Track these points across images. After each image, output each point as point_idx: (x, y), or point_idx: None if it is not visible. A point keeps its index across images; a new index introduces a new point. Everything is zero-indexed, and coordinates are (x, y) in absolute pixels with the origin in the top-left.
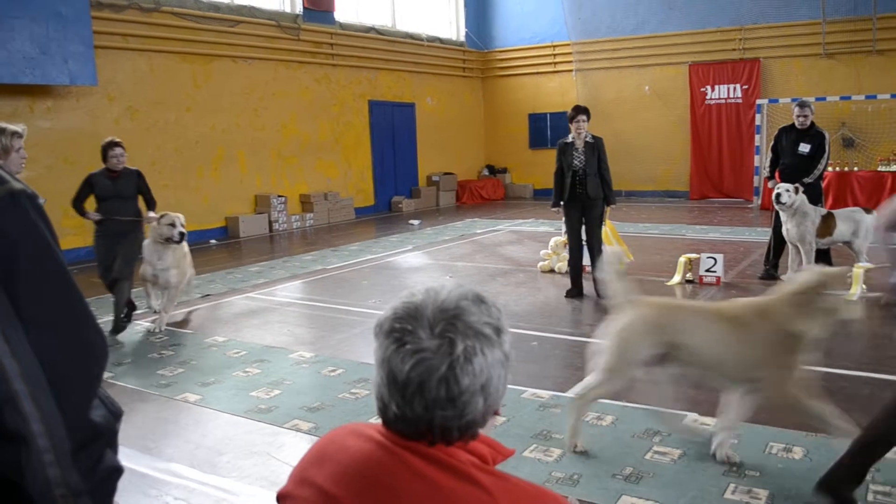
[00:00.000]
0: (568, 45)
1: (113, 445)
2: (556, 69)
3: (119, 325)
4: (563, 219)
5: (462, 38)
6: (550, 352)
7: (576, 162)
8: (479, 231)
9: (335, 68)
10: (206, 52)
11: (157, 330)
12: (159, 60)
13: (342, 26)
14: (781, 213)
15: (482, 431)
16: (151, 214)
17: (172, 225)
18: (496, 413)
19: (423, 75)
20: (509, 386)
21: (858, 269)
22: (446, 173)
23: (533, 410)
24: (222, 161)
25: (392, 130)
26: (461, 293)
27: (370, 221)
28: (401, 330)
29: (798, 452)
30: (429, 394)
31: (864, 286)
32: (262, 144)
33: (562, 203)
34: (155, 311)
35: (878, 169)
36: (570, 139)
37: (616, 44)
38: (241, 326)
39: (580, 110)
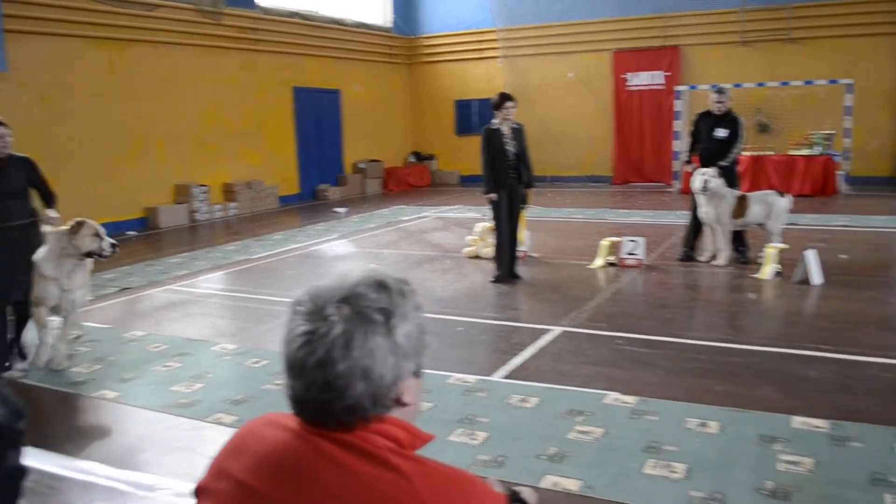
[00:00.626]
0: (494, 31)
1: (16, 445)
2: (482, 56)
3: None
4: (493, 205)
5: (389, 24)
6: (476, 337)
7: (508, 148)
8: (405, 218)
9: (258, 54)
10: (122, 37)
11: (57, 368)
12: (73, 45)
13: (265, 11)
14: (699, 196)
15: (399, 416)
16: (52, 214)
17: (97, 235)
18: (402, 402)
19: (349, 61)
20: (435, 372)
21: (771, 250)
22: (372, 160)
23: (459, 395)
24: (140, 150)
25: (317, 117)
26: (362, 278)
27: (295, 210)
28: (298, 312)
29: (714, 427)
30: (307, 376)
31: (777, 265)
32: (182, 132)
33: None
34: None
35: (791, 153)
36: (495, 125)
37: (541, 31)
38: (162, 320)
39: (510, 97)
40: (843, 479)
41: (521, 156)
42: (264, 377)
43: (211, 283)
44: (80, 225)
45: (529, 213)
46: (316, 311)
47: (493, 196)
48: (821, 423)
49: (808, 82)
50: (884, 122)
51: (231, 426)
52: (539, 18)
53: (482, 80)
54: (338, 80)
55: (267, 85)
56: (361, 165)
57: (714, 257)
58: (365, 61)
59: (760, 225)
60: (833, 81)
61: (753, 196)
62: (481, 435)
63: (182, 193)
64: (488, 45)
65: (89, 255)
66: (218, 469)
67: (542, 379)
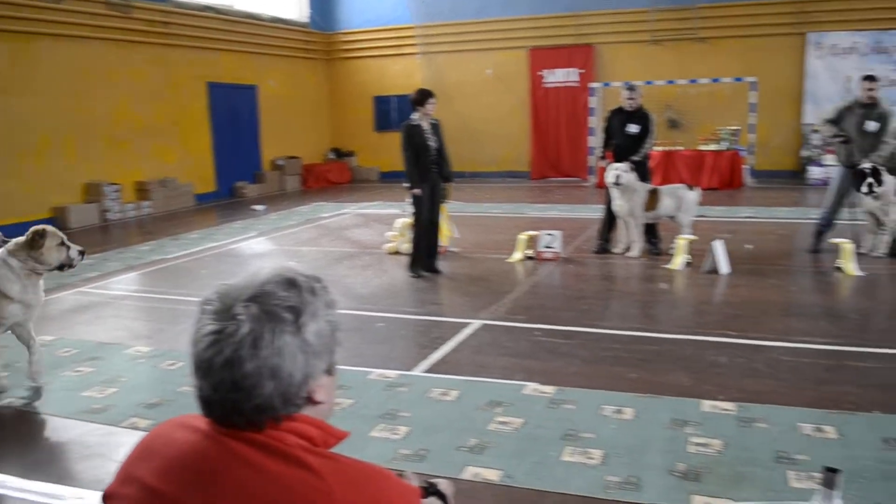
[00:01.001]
0: (412, 28)
1: None
2: (400, 52)
3: None
4: (415, 199)
5: (305, 20)
6: (397, 332)
7: (430, 143)
8: (325, 215)
9: (170, 49)
10: (26, 30)
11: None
12: None
13: (177, 4)
14: (613, 190)
15: (313, 414)
16: None
17: (63, 245)
18: (314, 401)
19: (265, 57)
20: (356, 368)
21: (681, 241)
22: (291, 157)
23: (380, 391)
24: (47, 147)
25: (233, 113)
26: (272, 276)
27: (212, 208)
28: (205, 311)
29: (629, 413)
30: (215, 376)
31: (687, 256)
32: (91, 129)
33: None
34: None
35: (700, 148)
36: (416, 121)
37: (459, 27)
38: (72, 323)
39: (431, 94)
40: (750, 458)
41: (441, 151)
42: (180, 379)
43: (124, 284)
44: (41, 236)
45: (449, 208)
46: (224, 310)
47: (418, 191)
48: (729, 406)
49: (716, 80)
50: (786, 119)
51: (146, 430)
52: (456, 15)
53: (401, 76)
54: (254, 75)
55: (180, 80)
56: (280, 162)
57: (628, 249)
58: (282, 56)
59: (671, 217)
60: (738, 79)
61: (664, 189)
62: (403, 429)
63: (93, 192)
64: (406, 42)
65: (60, 268)
66: (125, 474)
67: (463, 372)
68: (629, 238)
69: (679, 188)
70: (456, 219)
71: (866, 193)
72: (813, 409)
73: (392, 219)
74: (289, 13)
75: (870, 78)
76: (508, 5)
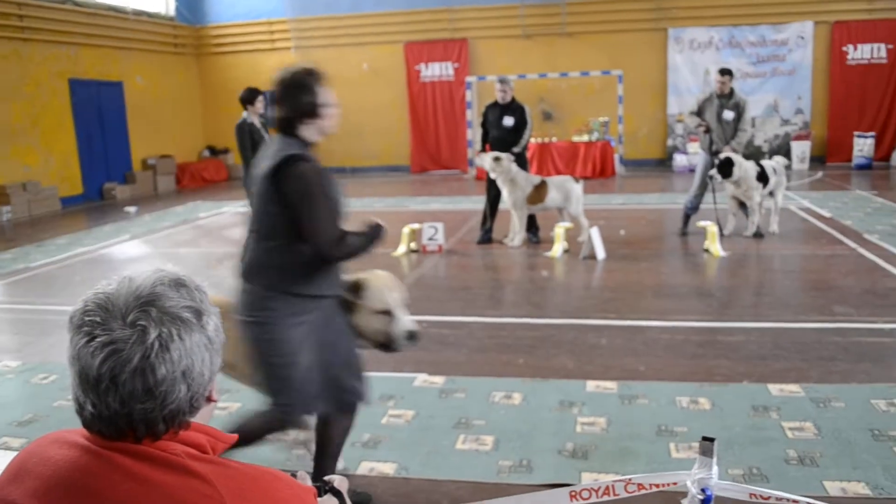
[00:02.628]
0: (285, 21)
1: None
2: (274, 47)
3: None
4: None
5: (172, 13)
6: None
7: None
8: (202, 215)
9: (27, 43)
10: None
11: None
12: None
13: None
14: (487, 168)
15: (197, 419)
16: None
17: None
18: (210, 399)
19: (130, 52)
20: None
21: (559, 229)
22: (163, 156)
23: None
24: None
25: (99, 111)
26: (157, 278)
27: (80, 211)
28: (91, 322)
29: (517, 398)
30: (123, 387)
31: (565, 243)
32: None
33: None
34: None
35: (573, 139)
36: (250, 120)
37: (334, 21)
38: None
39: (260, 91)
40: (634, 433)
41: None
42: (55, 393)
43: None
44: None
45: None
46: (114, 318)
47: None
48: (611, 385)
49: (585, 73)
50: (651, 110)
51: (19, 450)
52: (331, 9)
53: (276, 71)
54: (120, 71)
55: (39, 77)
56: (151, 162)
57: (528, 240)
58: (149, 52)
59: (560, 209)
60: (606, 72)
61: (552, 182)
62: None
63: None
64: (280, 36)
65: None
66: None
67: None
68: (515, 228)
69: (566, 180)
70: None
71: (712, 179)
72: (688, 383)
73: None
74: (154, 6)
75: (723, 72)
76: (383, 0)
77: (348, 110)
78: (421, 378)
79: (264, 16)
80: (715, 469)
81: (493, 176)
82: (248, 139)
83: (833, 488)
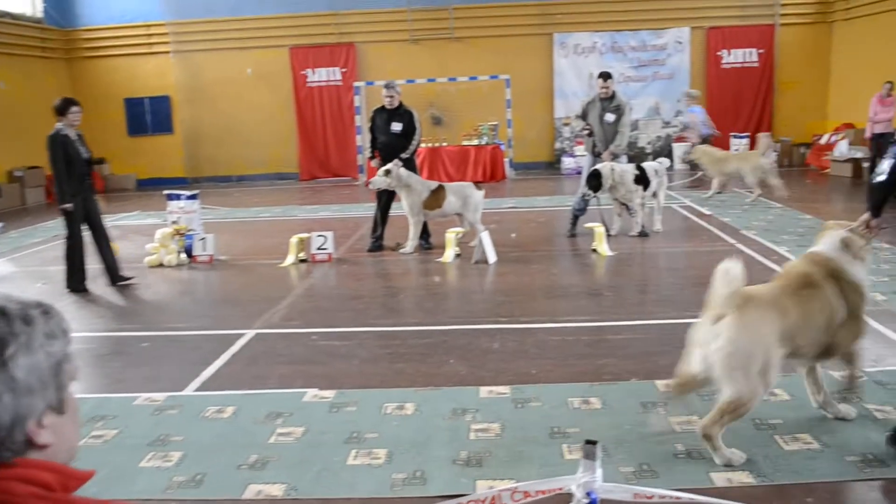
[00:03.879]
0: (163, 24)
1: None
2: (151, 51)
3: None
4: (67, 215)
5: (39, 14)
6: (164, 351)
7: (82, 154)
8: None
9: None
10: None
11: None
12: None
13: None
14: (381, 182)
15: (48, 457)
16: None
17: None
18: (35, 444)
19: None
20: (119, 395)
21: (450, 234)
22: (32, 167)
23: (148, 416)
24: None
25: None
26: None
27: None
28: None
29: (410, 408)
30: None
31: (457, 248)
32: None
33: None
34: None
35: (463, 144)
36: (64, 131)
37: (214, 25)
38: None
39: (75, 102)
40: (527, 437)
41: (91, 161)
42: None
43: None
44: None
45: (215, 216)
46: None
47: (70, 206)
48: (504, 390)
49: (473, 78)
50: (539, 114)
51: None
52: (210, 12)
53: (154, 76)
54: None
55: None
56: (18, 173)
57: (421, 246)
58: (13, 56)
59: (459, 215)
60: (494, 77)
61: (450, 187)
62: (176, 455)
63: None
64: (158, 40)
65: None
66: None
67: (238, 386)
68: (409, 235)
69: (465, 186)
70: (222, 226)
71: (589, 195)
72: (579, 384)
73: (152, 230)
74: (18, 7)
75: (604, 76)
76: (265, 3)
77: (233, 117)
78: (311, 393)
79: (140, 18)
80: (599, 472)
81: (388, 188)
82: (61, 151)
83: (719, 479)
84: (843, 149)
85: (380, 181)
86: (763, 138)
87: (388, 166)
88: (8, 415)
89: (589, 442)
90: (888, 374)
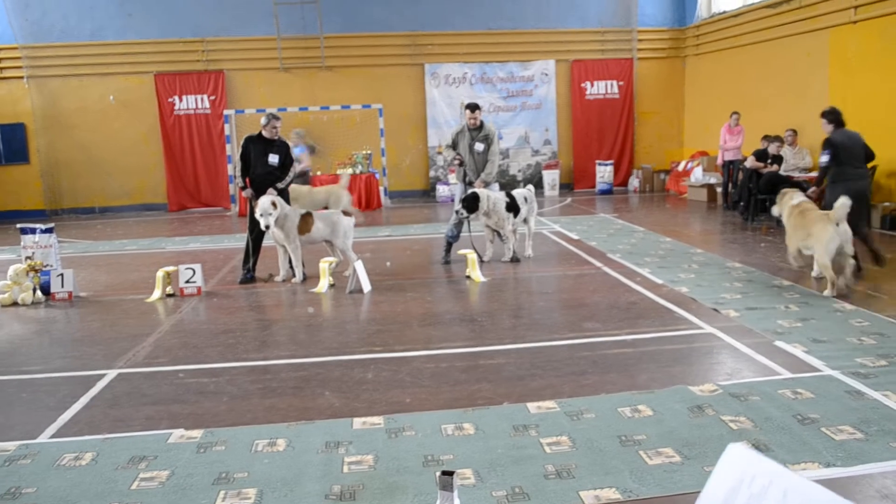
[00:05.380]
0: (16, 47)
1: None
2: (3, 75)
3: None
4: None
5: None
6: (16, 396)
7: None
8: None
9: None
10: None
11: None
12: None
13: None
14: (265, 228)
15: None
16: None
17: None
18: None
19: None
20: None
21: (323, 264)
22: None
23: None
24: None
25: None
26: None
27: None
28: None
29: (281, 444)
30: None
31: (331, 279)
32: None
33: None
34: None
35: (338, 172)
36: None
37: (73, 49)
38: None
39: None
40: (401, 467)
41: None
42: None
43: None
44: None
45: (76, 249)
46: None
47: None
48: (378, 420)
49: (346, 107)
50: (413, 142)
51: None
52: (68, 36)
53: (6, 102)
54: None
55: None
56: None
57: (292, 276)
58: None
59: (328, 242)
60: (366, 106)
61: (318, 215)
62: None
63: None
64: (10, 64)
65: None
66: None
67: (98, 430)
68: (293, 264)
69: (333, 213)
70: (83, 260)
71: (459, 213)
72: (453, 410)
73: (5, 266)
74: None
75: (471, 107)
76: (127, 28)
77: (95, 145)
78: (177, 434)
79: None
80: (457, 502)
81: (269, 221)
82: None
83: (588, 497)
84: (698, 175)
85: (270, 218)
86: (343, 175)
87: (275, 199)
88: None
89: (445, 473)
90: (742, 385)
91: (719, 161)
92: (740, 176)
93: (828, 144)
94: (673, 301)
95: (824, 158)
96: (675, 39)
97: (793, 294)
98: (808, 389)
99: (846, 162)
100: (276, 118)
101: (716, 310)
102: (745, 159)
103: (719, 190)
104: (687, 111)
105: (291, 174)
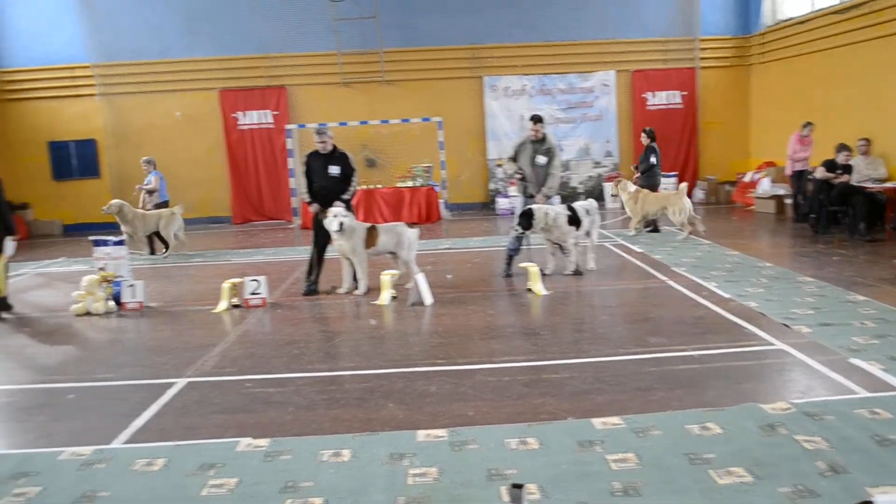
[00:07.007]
0: (89, 67)
1: None
2: (77, 93)
3: None
4: None
5: None
6: (90, 403)
7: None
8: None
9: None
10: None
11: None
12: None
13: None
14: (333, 234)
15: None
16: None
17: None
18: None
19: None
20: (42, 450)
21: (385, 276)
22: None
23: (73, 472)
24: None
25: None
26: None
27: None
28: None
29: (346, 455)
30: None
31: (392, 291)
32: None
33: None
34: None
35: (398, 185)
36: None
37: (142, 68)
38: None
39: None
40: (465, 480)
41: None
42: None
43: None
44: None
45: (145, 261)
46: None
47: None
48: (441, 433)
49: (405, 120)
50: (472, 155)
51: None
52: (138, 55)
53: (79, 119)
54: None
55: None
56: None
57: (355, 288)
58: None
59: (393, 254)
60: (426, 119)
61: (382, 227)
62: None
63: None
64: (84, 82)
65: None
66: None
67: (169, 437)
68: (357, 276)
69: (398, 226)
70: (152, 272)
71: (516, 231)
72: (516, 424)
73: (79, 277)
74: None
75: (535, 118)
76: (194, 46)
77: (163, 159)
78: (244, 442)
79: (64, 60)
80: None
81: (341, 220)
82: None
83: None
84: (765, 186)
85: (340, 236)
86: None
87: (338, 212)
88: None
89: (515, 486)
90: (815, 404)
91: (788, 171)
92: (810, 187)
93: None
94: (741, 316)
95: None
96: (740, 48)
97: (868, 310)
98: (886, 409)
99: None
100: (322, 132)
101: (787, 325)
102: (814, 170)
103: (788, 201)
104: (753, 121)
105: (354, 185)
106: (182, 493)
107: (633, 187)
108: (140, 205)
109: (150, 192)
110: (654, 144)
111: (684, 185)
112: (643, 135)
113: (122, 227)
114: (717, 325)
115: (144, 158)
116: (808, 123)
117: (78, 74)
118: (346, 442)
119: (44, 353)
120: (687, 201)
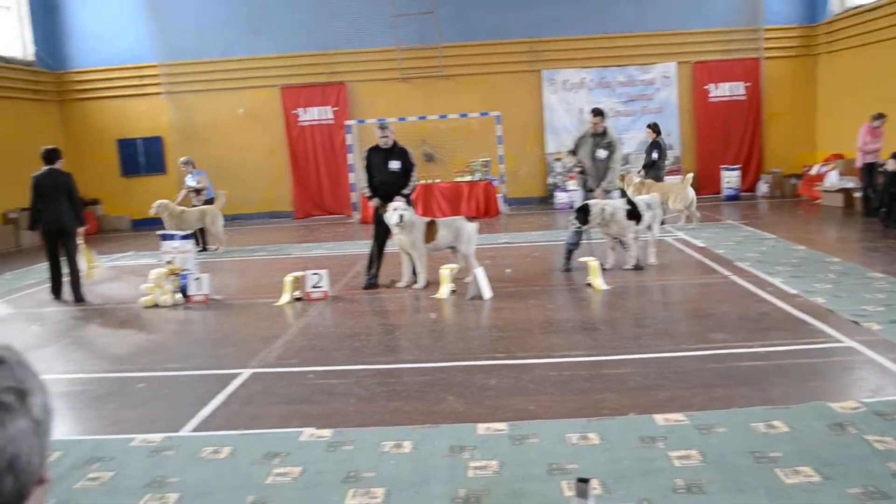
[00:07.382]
0: (155, 66)
1: None
2: (144, 92)
3: None
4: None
5: (31, 58)
6: (160, 392)
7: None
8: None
9: None
10: None
11: None
12: None
13: None
14: (393, 227)
15: (39, 496)
16: None
17: None
18: (43, 481)
19: None
20: (115, 436)
21: (445, 271)
22: (26, 209)
23: (144, 458)
24: None
25: None
26: None
27: None
28: None
29: (407, 446)
30: None
31: (452, 285)
32: None
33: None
34: None
35: (456, 180)
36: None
37: (206, 66)
38: None
39: None
40: (526, 474)
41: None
42: None
43: None
44: None
45: (210, 255)
46: None
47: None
48: (502, 427)
49: (464, 115)
50: (530, 149)
51: None
52: (202, 54)
53: (146, 117)
54: None
55: None
56: (13, 215)
57: (414, 282)
58: (4, 98)
59: (452, 248)
60: (484, 114)
61: (441, 222)
62: (172, 497)
63: None
64: (149, 82)
65: None
66: None
67: (234, 426)
68: (417, 270)
69: (457, 220)
70: (217, 265)
71: (573, 226)
72: (577, 419)
73: (147, 270)
74: (9, 50)
75: (596, 112)
76: (256, 44)
77: (226, 156)
78: (307, 432)
79: (131, 60)
80: None
81: (401, 212)
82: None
83: None
84: (833, 179)
85: (398, 230)
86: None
87: (398, 207)
88: (38, 457)
89: (581, 480)
90: (887, 404)
91: (858, 164)
92: (881, 180)
93: None
94: (808, 312)
95: None
96: (806, 37)
97: None
98: None
99: None
100: (384, 127)
101: (856, 322)
102: (885, 162)
103: (857, 195)
104: (820, 112)
105: (414, 179)
106: (248, 480)
107: (637, 178)
108: (190, 205)
109: (198, 191)
110: (660, 139)
111: (690, 175)
112: (648, 129)
113: (166, 225)
114: (783, 321)
115: (183, 159)
116: (881, 115)
117: (145, 74)
118: (407, 434)
119: (115, 344)
120: (690, 191)
